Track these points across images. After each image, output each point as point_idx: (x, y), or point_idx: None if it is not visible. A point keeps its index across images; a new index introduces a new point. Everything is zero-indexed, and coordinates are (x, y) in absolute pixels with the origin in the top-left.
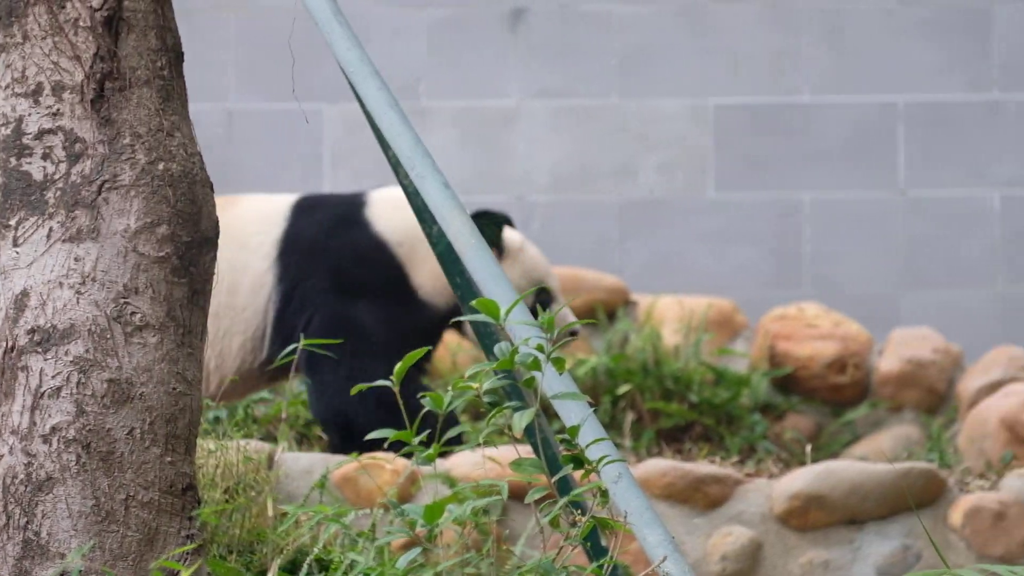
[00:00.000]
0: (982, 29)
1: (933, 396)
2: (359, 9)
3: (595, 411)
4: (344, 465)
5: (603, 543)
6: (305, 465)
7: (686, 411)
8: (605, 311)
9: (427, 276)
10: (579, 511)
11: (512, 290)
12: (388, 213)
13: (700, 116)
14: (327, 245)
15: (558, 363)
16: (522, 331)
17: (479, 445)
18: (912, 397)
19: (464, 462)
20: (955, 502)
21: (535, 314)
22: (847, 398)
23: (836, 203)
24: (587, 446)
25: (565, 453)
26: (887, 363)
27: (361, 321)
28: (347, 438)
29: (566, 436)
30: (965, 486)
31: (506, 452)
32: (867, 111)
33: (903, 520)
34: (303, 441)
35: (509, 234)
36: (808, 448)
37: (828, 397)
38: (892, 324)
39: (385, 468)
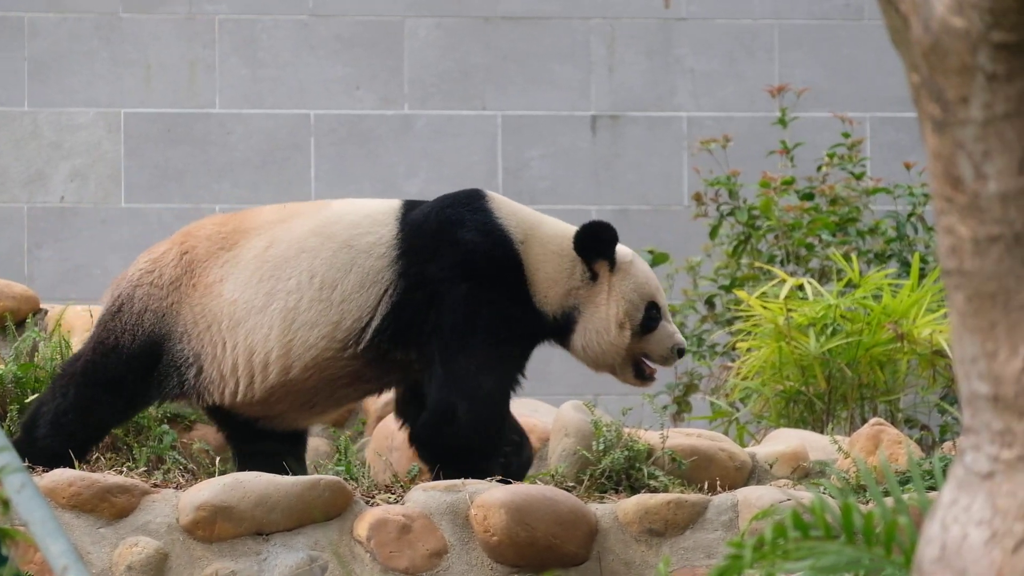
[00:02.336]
0: (394, 45)
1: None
2: None
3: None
4: None
5: (5, 552)
6: None
7: None
8: (14, 320)
9: (541, 281)
10: None
11: None
12: (508, 211)
13: (112, 125)
14: (448, 243)
15: None
16: None
17: None
18: None
19: None
20: (361, 514)
21: (646, 329)
22: None
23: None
24: None
25: None
26: None
27: (484, 317)
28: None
29: None
30: (371, 499)
31: None
32: (281, 123)
33: (310, 532)
34: None
35: (621, 248)
36: (217, 460)
37: None
38: None
39: None
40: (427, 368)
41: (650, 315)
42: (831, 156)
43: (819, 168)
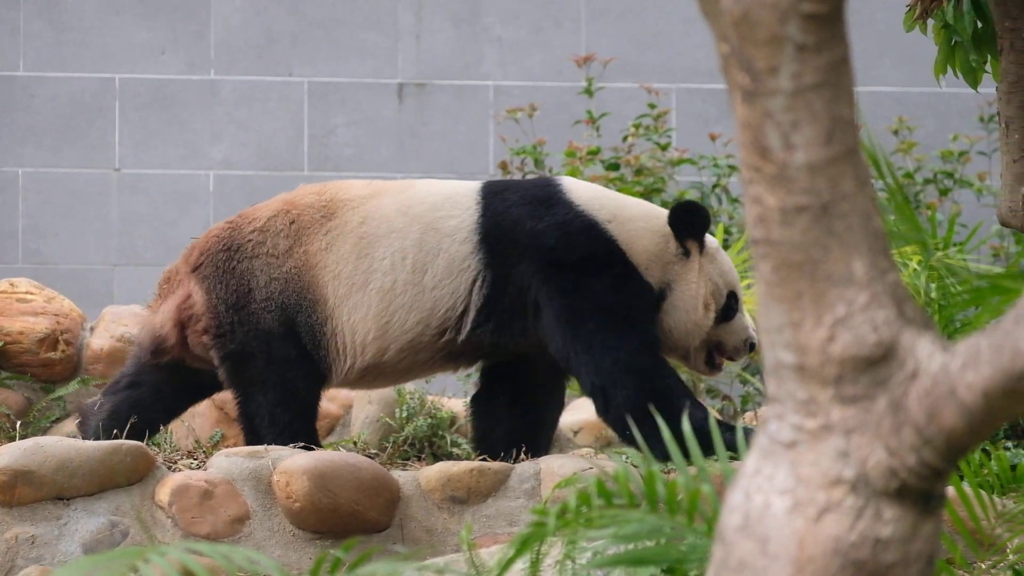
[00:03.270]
0: (200, 10)
1: None
2: None
3: None
4: None
5: None
6: None
7: None
8: None
9: (640, 254)
10: None
11: None
12: (586, 193)
13: None
14: (536, 227)
15: None
16: None
17: None
18: None
19: None
20: (163, 480)
21: (724, 317)
22: (58, 374)
23: (52, 178)
24: None
25: None
26: (98, 340)
27: (599, 295)
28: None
29: None
30: (174, 465)
31: None
32: (85, 87)
33: (112, 497)
34: None
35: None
36: (18, 424)
37: (39, 373)
38: (106, 301)
39: None
40: (564, 360)
41: (730, 304)
42: (637, 126)
43: (625, 138)
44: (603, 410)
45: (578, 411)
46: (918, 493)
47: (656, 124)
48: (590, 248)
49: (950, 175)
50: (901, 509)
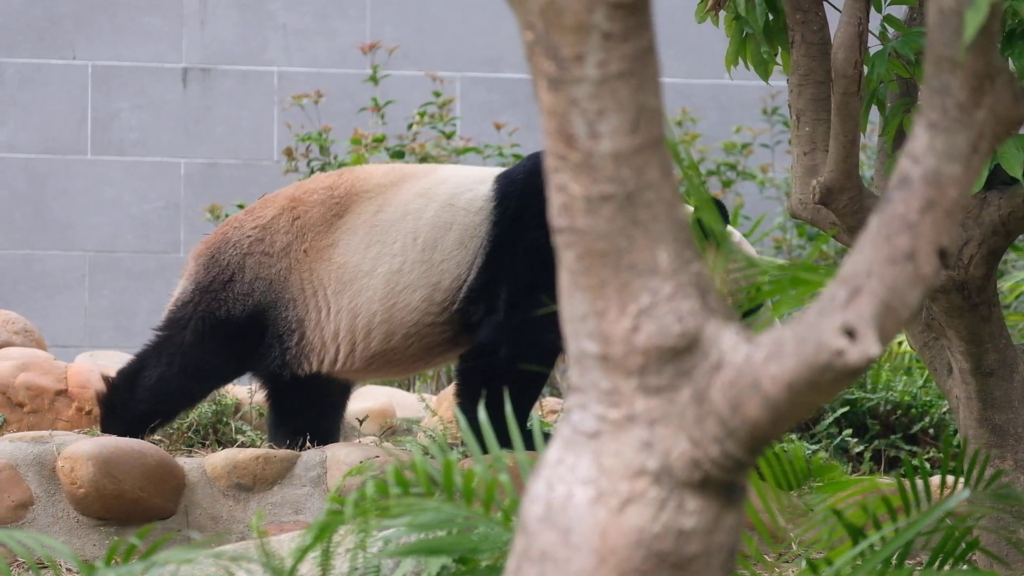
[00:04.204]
0: None
1: None
2: None
3: None
4: None
5: None
6: None
7: None
8: None
9: None
10: None
11: None
12: None
13: None
14: (541, 194)
15: None
16: None
17: None
18: None
19: None
20: None
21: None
22: None
23: None
24: None
25: None
26: None
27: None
28: (486, 379)
29: None
30: None
31: None
32: None
33: None
34: None
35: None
36: None
37: None
38: None
39: None
40: (487, 315)
41: None
42: (422, 115)
43: (410, 126)
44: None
45: (364, 399)
46: (721, 484)
47: (441, 112)
48: None
49: (733, 167)
50: (704, 500)
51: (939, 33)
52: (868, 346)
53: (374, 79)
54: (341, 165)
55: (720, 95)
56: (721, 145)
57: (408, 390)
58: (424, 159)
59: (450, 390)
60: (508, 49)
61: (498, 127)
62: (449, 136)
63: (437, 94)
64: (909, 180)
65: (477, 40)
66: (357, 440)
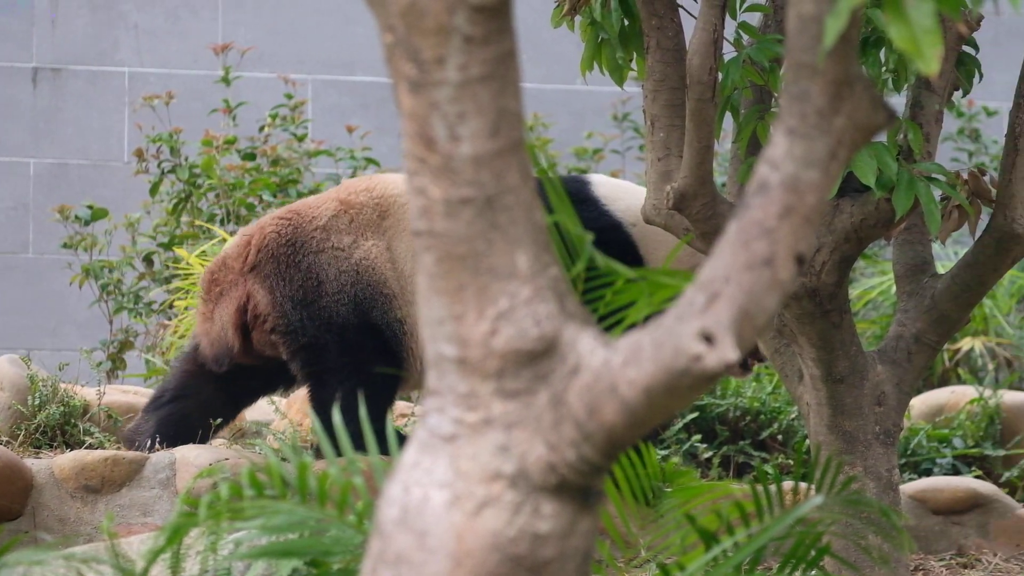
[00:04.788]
0: None
1: None
2: None
3: None
4: None
5: None
6: None
7: None
8: None
9: (661, 260)
10: None
11: None
12: (615, 194)
13: None
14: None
15: None
16: None
17: None
18: None
19: None
20: None
21: None
22: None
23: None
24: None
25: None
26: None
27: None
28: None
29: None
30: None
31: None
32: None
33: None
34: None
35: None
36: None
37: None
38: None
39: None
40: None
41: None
42: (273, 117)
43: (261, 128)
44: None
45: None
46: (577, 489)
47: (293, 115)
48: (607, 249)
49: (584, 172)
50: (560, 505)
51: (799, 39)
52: (725, 351)
53: (226, 80)
54: (192, 167)
55: (572, 100)
56: (572, 151)
57: None
58: (276, 162)
59: (301, 393)
60: (361, 52)
61: (350, 130)
62: (301, 139)
63: (289, 96)
64: (768, 186)
65: (330, 43)
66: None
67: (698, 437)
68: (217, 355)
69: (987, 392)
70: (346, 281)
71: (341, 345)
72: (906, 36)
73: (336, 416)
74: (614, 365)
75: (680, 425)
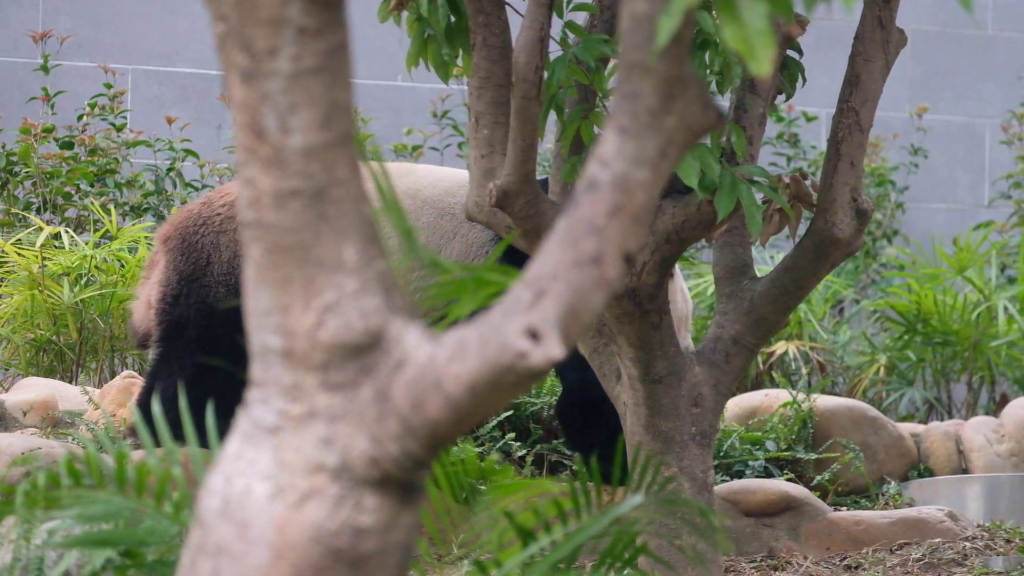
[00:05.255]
0: None
1: None
2: None
3: None
4: None
5: None
6: None
7: None
8: None
9: None
10: None
11: None
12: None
13: None
14: None
15: None
16: None
17: None
18: None
19: None
20: None
21: None
22: None
23: None
24: None
25: None
26: None
27: None
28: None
29: None
30: None
31: None
32: None
33: None
34: None
35: None
36: None
37: None
38: None
39: None
40: None
41: None
42: (92, 106)
43: (80, 117)
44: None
45: (26, 390)
46: (399, 483)
47: (112, 104)
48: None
49: None
50: (382, 499)
51: (631, 38)
52: (551, 349)
53: (45, 68)
54: (9, 155)
55: (392, 96)
56: (392, 147)
57: (71, 382)
58: (94, 151)
59: (115, 383)
60: (183, 43)
61: (169, 121)
62: (119, 128)
63: (109, 86)
64: (597, 184)
65: (151, 33)
66: (19, 431)
67: (512, 435)
68: (138, 335)
69: (800, 396)
70: (237, 266)
71: (200, 329)
72: (739, 37)
73: (156, 406)
74: (439, 360)
75: (495, 423)
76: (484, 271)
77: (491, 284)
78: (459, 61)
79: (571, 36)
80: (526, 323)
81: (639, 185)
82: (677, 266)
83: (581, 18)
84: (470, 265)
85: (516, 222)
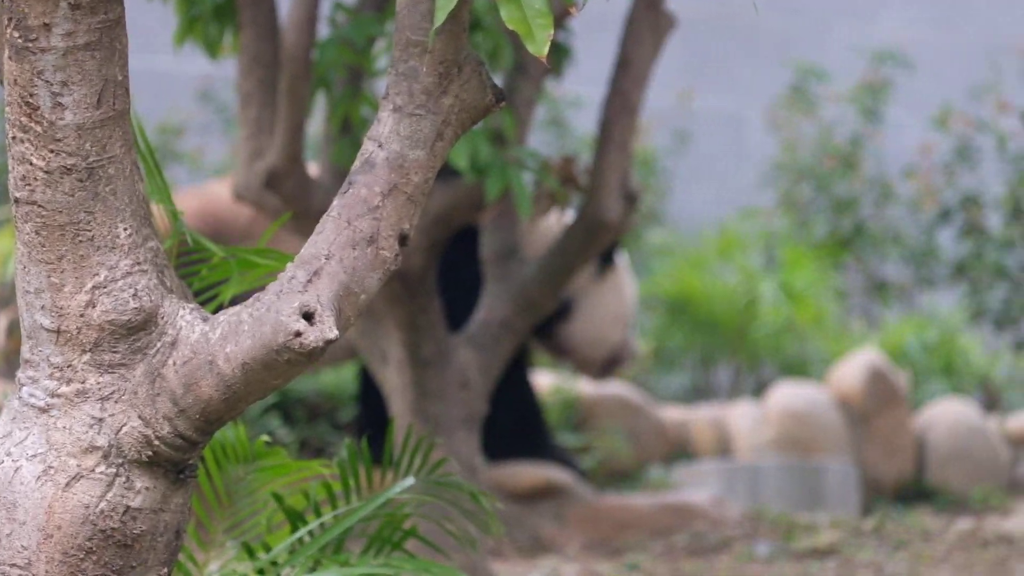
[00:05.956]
0: None
1: None
2: None
3: None
4: None
5: None
6: None
7: None
8: None
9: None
10: None
11: None
12: None
13: None
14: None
15: None
16: None
17: None
18: None
19: None
20: None
21: None
22: None
23: None
24: None
25: None
26: None
27: None
28: None
29: None
30: None
31: None
32: None
33: None
34: None
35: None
36: None
37: None
38: None
39: None
40: None
41: None
42: None
43: None
44: None
45: None
46: (171, 463)
47: None
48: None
49: (167, 149)
50: (153, 479)
51: (408, 17)
52: (326, 329)
53: None
54: None
55: (155, 76)
56: (156, 127)
57: None
58: None
59: None
60: None
61: None
62: None
63: None
64: (373, 163)
65: None
66: None
67: (277, 420)
68: None
69: (566, 381)
70: None
71: None
72: (517, 18)
73: None
74: (212, 339)
75: (261, 408)
76: (249, 253)
77: (259, 266)
78: (229, 41)
79: (341, 16)
80: (300, 303)
81: (415, 165)
82: (622, 262)
83: None
84: (239, 248)
85: (285, 203)
